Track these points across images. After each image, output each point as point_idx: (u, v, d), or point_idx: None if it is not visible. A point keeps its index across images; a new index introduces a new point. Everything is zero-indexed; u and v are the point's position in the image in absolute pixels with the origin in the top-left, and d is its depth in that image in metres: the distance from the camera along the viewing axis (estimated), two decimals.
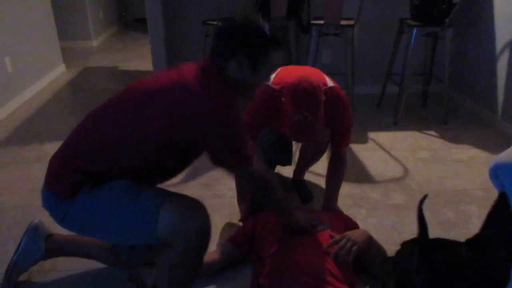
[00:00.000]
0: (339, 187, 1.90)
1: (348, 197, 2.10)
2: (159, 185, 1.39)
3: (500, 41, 2.91)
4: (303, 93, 1.52)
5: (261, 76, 1.32)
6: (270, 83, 1.69)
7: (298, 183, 2.17)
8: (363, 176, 2.32)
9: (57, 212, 1.26)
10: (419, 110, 3.34)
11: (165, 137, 1.21)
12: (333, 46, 3.54)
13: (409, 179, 2.29)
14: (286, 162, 2.21)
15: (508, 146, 1.25)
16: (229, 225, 1.88)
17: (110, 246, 1.53)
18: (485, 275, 1.06)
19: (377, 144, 2.73)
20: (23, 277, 1.55)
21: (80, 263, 1.63)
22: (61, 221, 1.27)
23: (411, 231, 1.84)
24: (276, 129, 1.80)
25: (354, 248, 1.37)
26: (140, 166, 1.26)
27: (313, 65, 3.04)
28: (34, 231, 1.53)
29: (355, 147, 2.66)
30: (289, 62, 3.26)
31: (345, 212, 1.94)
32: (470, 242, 1.18)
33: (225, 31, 1.28)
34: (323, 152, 2.03)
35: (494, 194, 2.12)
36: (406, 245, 1.28)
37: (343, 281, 1.32)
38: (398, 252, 1.31)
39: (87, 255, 1.57)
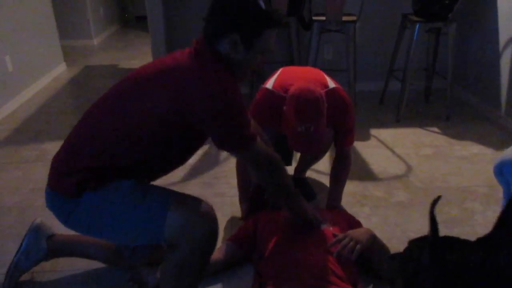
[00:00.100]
0: (343, 186, 1.89)
1: (351, 195, 2.08)
2: (163, 179, 1.38)
3: (503, 37, 2.88)
4: (305, 104, 1.51)
5: (256, 55, 1.26)
6: (272, 87, 1.68)
7: (299, 181, 2.16)
8: (366, 174, 2.31)
9: (62, 212, 1.24)
10: (422, 106, 3.31)
11: (165, 122, 1.19)
12: (335, 43, 3.52)
13: (412, 177, 2.27)
14: (286, 163, 2.19)
15: None
16: (230, 224, 1.87)
17: (112, 246, 1.52)
18: (496, 276, 1.04)
19: (380, 141, 2.71)
20: (24, 277, 1.55)
21: (81, 263, 1.62)
22: (66, 221, 1.25)
23: (415, 228, 1.83)
24: (277, 130, 1.78)
25: (358, 247, 1.35)
26: (142, 156, 1.24)
27: (315, 62, 3.02)
28: (35, 232, 1.52)
29: (357, 145, 2.64)
30: (290, 59, 3.24)
31: (348, 211, 1.92)
32: (481, 242, 1.16)
33: (218, 6, 1.23)
34: (325, 151, 2.02)
35: (498, 191, 2.11)
36: (414, 244, 1.27)
37: (346, 280, 1.30)
38: (406, 251, 1.29)
39: (88, 256, 1.56)
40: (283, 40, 3.34)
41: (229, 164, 2.37)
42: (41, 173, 2.29)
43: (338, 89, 1.70)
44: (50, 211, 1.27)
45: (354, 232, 1.41)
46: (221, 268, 1.55)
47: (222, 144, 1.24)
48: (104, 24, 6.14)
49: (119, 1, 7.00)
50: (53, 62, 4.17)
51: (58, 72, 4.26)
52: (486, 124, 2.94)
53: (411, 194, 2.11)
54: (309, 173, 2.24)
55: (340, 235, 1.40)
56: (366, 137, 2.76)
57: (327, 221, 1.54)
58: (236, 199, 1.99)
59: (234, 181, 2.18)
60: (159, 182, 1.36)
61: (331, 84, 1.69)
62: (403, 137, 2.75)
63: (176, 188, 1.29)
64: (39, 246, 1.51)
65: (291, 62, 3.22)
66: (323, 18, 2.89)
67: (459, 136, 2.76)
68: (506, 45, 2.85)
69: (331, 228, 1.50)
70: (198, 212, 1.18)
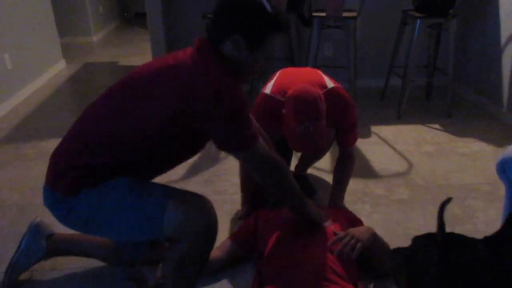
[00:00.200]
0: (345, 186, 1.89)
1: (352, 193, 2.07)
2: (163, 177, 1.37)
3: (505, 32, 2.86)
4: (304, 104, 1.50)
5: (258, 58, 1.26)
6: (270, 92, 1.68)
7: (300, 178, 2.15)
8: (367, 171, 2.30)
9: (59, 210, 1.23)
10: (423, 103, 3.30)
11: (166, 121, 1.18)
12: (335, 39, 3.50)
13: (414, 174, 2.26)
14: (287, 162, 2.18)
15: None
16: (230, 222, 1.86)
17: (111, 245, 1.51)
18: (504, 276, 1.03)
19: (381, 138, 2.70)
20: (23, 276, 1.54)
21: (80, 262, 1.61)
22: (63, 220, 1.25)
23: (416, 226, 1.82)
24: (277, 134, 1.78)
25: (358, 245, 1.34)
26: (143, 155, 1.24)
27: (315, 59, 3.01)
28: (35, 230, 1.51)
29: (358, 142, 2.62)
30: (290, 56, 3.22)
31: (349, 208, 1.91)
32: (488, 241, 1.15)
33: (224, 7, 1.22)
34: (326, 151, 2.01)
35: (500, 188, 2.10)
36: (420, 241, 1.26)
37: (346, 279, 1.29)
38: (411, 247, 1.29)
39: (88, 254, 1.55)
40: (282, 36, 3.33)
41: (229, 162, 2.37)
42: (41, 171, 2.28)
43: (337, 89, 1.69)
44: (48, 209, 1.27)
45: (355, 230, 1.40)
46: (221, 266, 1.55)
47: (222, 143, 1.23)
48: (103, 21, 6.11)
49: None
50: (52, 60, 4.16)
51: (58, 69, 4.24)
52: (487, 121, 2.92)
53: (412, 191, 2.10)
54: (310, 170, 2.23)
55: (341, 233, 1.40)
56: (367, 134, 2.75)
57: (328, 220, 1.53)
58: (236, 197, 1.98)
59: (234, 179, 2.17)
60: (159, 179, 1.35)
61: (330, 84, 1.68)
62: (404, 134, 2.74)
63: (176, 186, 1.28)
64: (38, 245, 1.50)
65: (291, 59, 3.20)
66: (323, 14, 2.87)
67: (460, 133, 2.75)
68: (507, 41, 2.84)
69: (332, 226, 1.49)
70: (197, 207, 1.18)
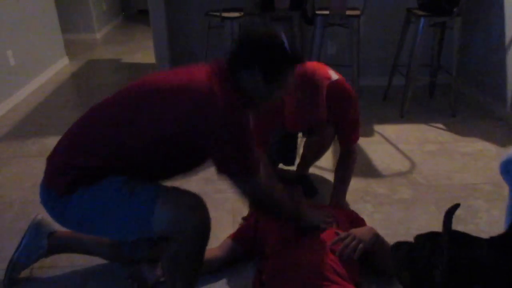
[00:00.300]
0: (347, 185, 1.87)
1: (354, 192, 2.06)
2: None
3: (509, 31, 2.84)
4: (302, 72, 1.50)
5: (273, 92, 1.29)
6: None
7: (302, 177, 2.14)
8: (369, 170, 2.29)
9: (54, 209, 1.24)
10: (426, 102, 3.28)
11: (170, 137, 1.19)
12: (338, 37, 3.48)
13: (416, 173, 2.25)
14: (289, 162, 2.18)
15: None
16: (231, 220, 1.86)
17: (112, 243, 1.51)
18: (509, 276, 1.03)
19: (383, 137, 2.69)
20: (24, 274, 1.54)
21: (81, 259, 1.62)
22: (58, 219, 1.25)
23: (418, 226, 1.81)
24: (282, 127, 1.77)
25: (360, 246, 1.33)
26: (142, 164, 1.24)
27: (318, 57, 2.99)
28: (36, 228, 1.52)
29: (361, 141, 2.61)
30: None
31: (351, 208, 1.91)
32: (494, 241, 1.15)
33: (246, 41, 1.24)
34: (327, 148, 2.00)
35: (503, 188, 2.09)
36: (422, 239, 1.26)
37: (348, 279, 1.29)
38: (414, 245, 1.28)
39: (89, 252, 1.56)
40: (285, 34, 3.31)
41: None
42: (43, 168, 2.27)
43: (342, 81, 1.68)
44: (43, 207, 1.27)
45: (356, 231, 1.40)
46: (221, 265, 1.54)
47: (222, 168, 1.24)
48: (106, 18, 6.11)
49: None
50: (55, 56, 4.16)
51: (61, 66, 4.24)
52: (491, 120, 2.91)
53: (415, 191, 2.09)
54: (312, 169, 2.22)
55: (343, 234, 1.39)
56: (369, 133, 2.74)
57: (330, 217, 1.52)
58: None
59: None
60: None
61: (335, 76, 1.67)
62: (407, 133, 2.73)
63: (176, 184, 1.27)
64: (39, 243, 1.51)
65: None
66: (327, 12, 2.86)
67: (463, 132, 2.73)
68: None
69: (333, 226, 1.48)
70: (187, 206, 1.18)
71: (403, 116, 2.97)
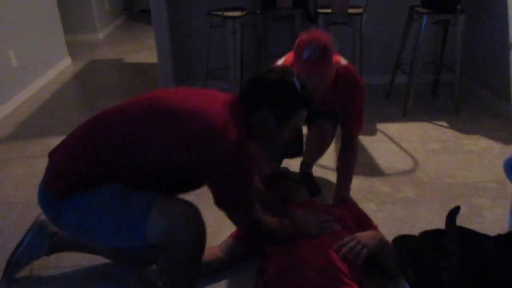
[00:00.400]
0: (351, 176, 1.84)
1: (357, 191, 2.06)
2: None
3: None
4: (311, 33, 1.50)
5: (284, 132, 1.31)
6: (279, 64, 1.65)
7: (306, 176, 2.14)
8: (372, 169, 2.28)
9: (50, 212, 1.23)
10: (429, 100, 3.27)
11: (175, 161, 1.19)
12: (341, 36, 3.47)
13: (419, 172, 2.24)
14: (298, 152, 2.14)
15: None
16: None
17: None
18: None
19: (386, 136, 2.68)
20: (26, 273, 1.55)
21: (84, 259, 1.62)
22: (54, 222, 1.25)
23: (421, 224, 1.80)
24: None
25: (364, 251, 1.32)
26: (141, 180, 1.23)
27: None
28: (39, 228, 1.52)
29: (364, 139, 2.61)
30: None
31: None
32: (502, 239, 1.14)
33: (259, 82, 1.26)
34: (328, 145, 1.99)
35: (507, 186, 2.08)
36: (427, 235, 1.25)
37: (351, 278, 1.28)
38: (417, 240, 1.28)
39: (92, 251, 1.56)
40: (287, 33, 3.31)
41: None
42: None
43: (350, 67, 1.66)
44: (40, 208, 1.26)
45: (361, 236, 1.38)
46: (222, 265, 1.54)
47: (219, 199, 1.23)
48: (109, 18, 6.12)
49: None
50: (57, 57, 4.17)
51: (63, 66, 4.25)
52: (495, 118, 2.89)
53: (418, 189, 2.08)
54: (314, 169, 2.22)
55: (347, 238, 1.37)
56: (372, 131, 2.73)
57: (332, 220, 1.51)
58: None
59: None
60: None
61: (344, 61, 1.65)
62: (410, 132, 2.72)
63: None
64: (41, 243, 1.51)
65: None
66: (329, 10, 2.85)
67: (467, 130, 2.72)
68: None
69: (338, 227, 1.48)
70: (182, 216, 1.17)
71: (406, 115, 2.96)
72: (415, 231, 1.71)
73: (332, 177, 2.20)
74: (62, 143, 1.29)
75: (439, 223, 1.34)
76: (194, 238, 1.18)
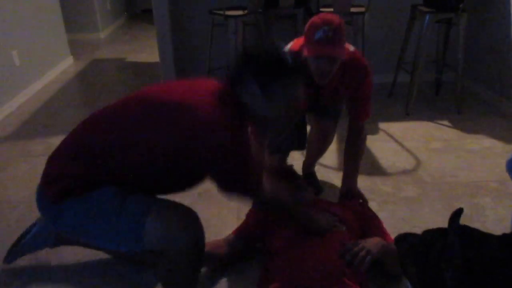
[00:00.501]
0: (358, 164, 1.81)
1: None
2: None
3: None
4: (323, 14, 1.48)
5: (275, 107, 1.21)
6: (288, 50, 1.62)
7: (308, 175, 2.14)
8: (374, 168, 2.28)
9: (48, 215, 1.22)
10: (432, 99, 3.26)
11: (168, 156, 1.15)
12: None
13: (422, 171, 2.23)
14: (301, 145, 2.12)
15: None
16: (236, 219, 1.85)
17: None
18: None
19: (389, 135, 2.67)
20: (26, 262, 1.57)
21: (87, 256, 1.63)
22: (51, 223, 1.23)
23: (423, 224, 1.80)
24: None
25: (368, 258, 1.31)
26: (138, 179, 1.20)
27: None
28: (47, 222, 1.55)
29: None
30: None
31: None
32: (506, 238, 1.13)
33: (242, 54, 1.22)
34: (330, 142, 1.99)
35: (510, 186, 2.07)
36: (431, 234, 1.25)
37: (354, 279, 1.28)
38: (420, 239, 1.27)
39: (95, 248, 1.56)
40: (289, 32, 3.30)
41: None
42: None
43: (357, 53, 1.65)
44: (39, 211, 1.26)
45: (366, 242, 1.37)
46: (227, 262, 1.54)
47: (222, 191, 1.22)
48: (110, 17, 6.13)
49: None
50: (60, 56, 4.18)
51: (65, 66, 4.26)
52: (497, 117, 2.88)
53: (420, 189, 2.08)
54: (316, 168, 2.22)
55: (350, 244, 1.36)
56: (374, 130, 2.72)
57: (337, 221, 1.51)
58: None
59: None
60: None
61: (352, 47, 1.64)
62: (412, 131, 2.71)
63: None
64: (47, 235, 1.56)
65: None
66: (331, 9, 2.84)
67: (469, 129, 2.71)
68: None
69: (343, 228, 1.47)
70: (179, 222, 1.14)
71: (408, 114, 2.95)
72: (417, 231, 1.70)
73: (333, 176, 2.19)
74: (58, 146, 1.26)
75: (441, 222, 1.33)
76: (192, 245, 1.15)
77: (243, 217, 1.84)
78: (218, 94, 1.17)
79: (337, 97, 1.76)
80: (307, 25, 1.51)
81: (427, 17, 2.75)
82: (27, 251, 1.57)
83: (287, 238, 1.43)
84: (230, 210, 1.91)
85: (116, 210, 1.15)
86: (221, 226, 1.79)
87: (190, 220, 1.17)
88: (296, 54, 1.48)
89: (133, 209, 1.15)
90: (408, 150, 2.47)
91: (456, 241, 1.12)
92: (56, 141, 2.64)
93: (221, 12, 2.96)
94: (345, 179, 1.83)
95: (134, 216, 1.14)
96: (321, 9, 2.91)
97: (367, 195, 2.03)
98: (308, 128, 2.05)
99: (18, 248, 1.55)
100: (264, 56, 1.18)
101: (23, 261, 1.60)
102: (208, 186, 2.12)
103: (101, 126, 1.21)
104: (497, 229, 1.73)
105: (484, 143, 2.53)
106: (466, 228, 1.24)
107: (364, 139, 1.81)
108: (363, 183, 2.13)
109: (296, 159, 2.26)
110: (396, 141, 2.59)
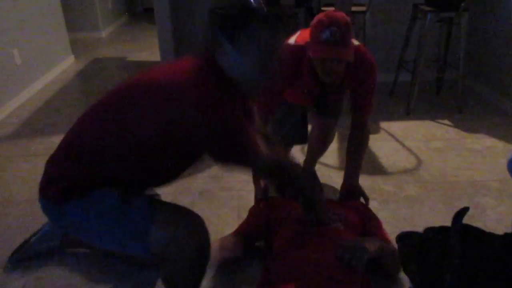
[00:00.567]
0: (361, 161, 1.79)
1: None
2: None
3: None
4: (331, 12, 1.44)
5: (253, 61, 1.13)
6: (294, 42, 1.62)
7: (309, 174, 2.14)
8: (375, 168, 2.27)
9: (50, 216, 1.21)
10: (433, 98, 3.25)
11: (155, 138, 1.12)
12: None
13: (423, 170, 2.23)
14: (304, 138, 2.11)
15: None
16: (236, 218, 1.86)
17: None
18: None
19: (390, 134, 2.67)
20: (31, 263, 1.57)
21: (87, 255, 1.63)
22: (55, 224, 1.24)
23: (425, 223, 1.79)
24: (295, 95, 1.71)
25: (365, 256, 1.30)
26: (132, 170, 1.17)
27: None
28: None
29: None
30: None
31: None
32: (508, 237, 1.13)
33: (209, 16, 1.18)
34: (331, 140, 1.99)
35: (510, 185, 2.07)
36: (432, 232, 1.25)
37: (353, 278, 1.28)
38: (422, 237, 1.27)
39: (96, 248, 1.59)
40: (291, 31, 3.30)
41: None
42: None
43: (362, 47, 1.63)
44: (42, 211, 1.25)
45: (362, 240, 1.37)
46: (230, 261, 1.55)
47: (221, 162, 1.18)
48: (112, 16, 6.13)
49: None
50: (61, 55, 4.18)
51: (67, 65, 4.26)
52: (498, 117, 2.87)
53: (421, 188, 2.07)
54: (316, 167, 2.22)
55: (347, 243, 1.35)
56: (375, 130, 2.72)
57: (338, 221, 1.50)
58: (243, 193, 1.97)
59: (241, 175, 2.17)
60: None
61: (356, 42, 1.63)
62: (413, 130, 2.71)
63: (183, 182, 1.26)
64: (54, 235, 1.59)
65: None
66: (332, 8, 2.84)
67: (471, 128, 2.71)
68: None
69: (341, 228, 1.47)
70: (185, 229, 1.12)
71: (409, 113, 2.95)
72: (418, 230, 1.71)
73: (334, 175, 2.19)
74: (56, 148, 1.25)
75: (442, 221, 1.33)
76: (197, 252, 1.14)
77: (243, 216, 1.84)
78: (197, 65, 1.13)
79: (341, 93, 1.75)
80: (313, 22, 1.47)
81: (429, 16, 2.75)
82: (32, 252, 1.60)
83: (288, 238, 1.43)
84: (231, 209, 1.91)
85: (120, 218, 1.13)
86: (221, 225, 1.79)
87: (196, 227, 1.15)
88: (301, 48, 1.46)
89: (138, 216, 1.13)
90: (409, 149, 2.46)
91: (457, 241, 1.12)
92: (57, 140, 2.63)
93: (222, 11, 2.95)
94: (347, 176, 1.81)
95: (138, 224, 1.12)
96: (323, 8, 2.91)
97: (368, 194, 2.03)
98: (309, 128, 2.05)
99: (24, 249, 1.59)
100: (228, 9, 1.12)
101: (25, 261, 1.61)
102: (208, 186, 2.13)
103: (93, 122, 1.19)
104: (498, 229, 1.73)
105: (485, 142, 2.52)
106: (468, 227, 1.23)
107: (367, 135, 1.78)
108: (364, 182, 2.12)
109: (296, 158, 2.26)
110: (397, 140, 2.59)
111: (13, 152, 2.52)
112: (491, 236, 1.22)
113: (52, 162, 1.21)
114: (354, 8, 2.83)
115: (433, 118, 2.88)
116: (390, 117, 2.90)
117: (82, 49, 4.93)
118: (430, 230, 1.34)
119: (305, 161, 2.15)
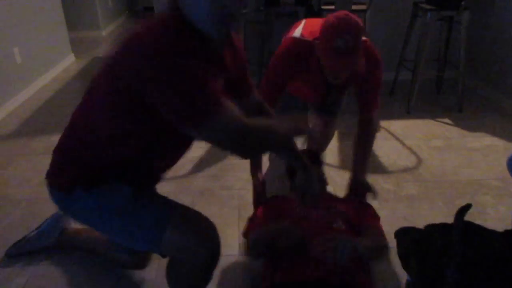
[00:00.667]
0: (368, 156, 1.77)
1: None
2: (169, 172, 1.33)
3: None
4: (343, 16, 1.39)
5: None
6: (300, 35, 1.59)
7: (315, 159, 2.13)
8: (375, 166, 2.27)
9: (59, 205, 1.22)
10: (433, 97, 3.25)
11: (121, 96, 1.03)
12: None
13: (423, 169, 2.23)
14: (304, 107, 2.09)
15: None
16: (237, 217, 1.86)
17: (110, 246, 1.53)
18: None
19: (390, 133, 2.67)
20: (29, 261, 1.59)
21: (86, 255, 1.63)
22: (65, 212, 1.25)
23: (425, 222, 1.78)
24: (299, 89, 1.69)
25: (347, 251, 1.25)
26: (125, 150, 1.12)
27: None
28: (56, 219, 1.64)
29: None
30: None
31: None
32: (508, 234, 1.13)
33: None
34: (331, 138, 1.99)
35: (511, 184, 2.07)
36: (433, 229, 1.25)
37: (351, 273, 1.28)
38: (422, 233, 1.27)
39: (95, 253, 1.59)
40: None
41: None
42: None
43: (369, 42, 1.61)
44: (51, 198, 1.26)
45: (361, 240, 1.35)
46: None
47: (169, 119, 1.00)
48: (112, 15, 6.13)
49: None
50: (61, 54, 4.18)
51: (67, 63, 4.26)
52: (499, 115, 2.87)
53: (421, 187, 2.08)
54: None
55: (327, 238, 1.32)
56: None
57: (339, 218, 1.50)
58: (243, 192, 1.97)
59: (241, 173, 2.17)
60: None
61: (363, 37, 1.62)
62: (413, 129, 2.71)
63: (184, 181, 1.27)
64: (51, 234, 1.62)
65: None
66: (333, 7, 2.84)
67: (471, 127, 2.71)
68: None
69: (343, 227, 1.47)
70: (198, 234, 1.12)
71: (409, 112, 2.95)
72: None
73: (334, 174, 2.19)
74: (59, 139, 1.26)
75: (442, 220, 1.33)
76: (209, 258, 1.14)
77: (243, 215, 1.85)
78: (162, 18, 1.05)
79: (344, 90, 1.74)
80: (325, 22, 1.43)
81: (429, 14, 2.74)
82: (29, 247, 1.63)
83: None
84: (232, 208, 1.91)
85: (135, 217, 1.13)
86: (222, 224, 1.79)
87: (208, 233, 1.15)
88: (308, 45, 1.42)
89: (152, 217, 1.13)
90: (409, 148, 2.46)
91: (459, 237, 1.12)
92: (57, 139, 2.64)
93: None
94: (354, 170, 1.78)
95: (152, 226, 1.12)
96: (323, 7, 2.91)
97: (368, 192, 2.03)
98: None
99: (22, 243, 1.63)
100: None
101: (23, 258, 1.63)
102: (208, 185, 2.13)
103: (85, 103, 1.17)
104: (498, 227, 1.72)
105: (485, 141, 2.52)
106: (470, 224, 1.24)
107: (375, 129, 1.76)
108: None
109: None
110: (397, 139, 2.59)
111: (14, 151, 2.52)
112: (492, 233, 1.22)
113: (56, 150, 1.23)
114: (354, 7, 2.83)
115: (433, 117, 2.88)
116: (390, 116, 2.90)
117: (82, 48, 4.93)
118: (431, 227, 1.34)
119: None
